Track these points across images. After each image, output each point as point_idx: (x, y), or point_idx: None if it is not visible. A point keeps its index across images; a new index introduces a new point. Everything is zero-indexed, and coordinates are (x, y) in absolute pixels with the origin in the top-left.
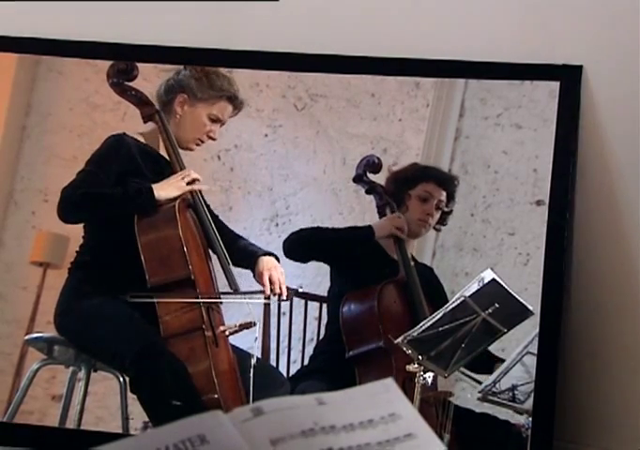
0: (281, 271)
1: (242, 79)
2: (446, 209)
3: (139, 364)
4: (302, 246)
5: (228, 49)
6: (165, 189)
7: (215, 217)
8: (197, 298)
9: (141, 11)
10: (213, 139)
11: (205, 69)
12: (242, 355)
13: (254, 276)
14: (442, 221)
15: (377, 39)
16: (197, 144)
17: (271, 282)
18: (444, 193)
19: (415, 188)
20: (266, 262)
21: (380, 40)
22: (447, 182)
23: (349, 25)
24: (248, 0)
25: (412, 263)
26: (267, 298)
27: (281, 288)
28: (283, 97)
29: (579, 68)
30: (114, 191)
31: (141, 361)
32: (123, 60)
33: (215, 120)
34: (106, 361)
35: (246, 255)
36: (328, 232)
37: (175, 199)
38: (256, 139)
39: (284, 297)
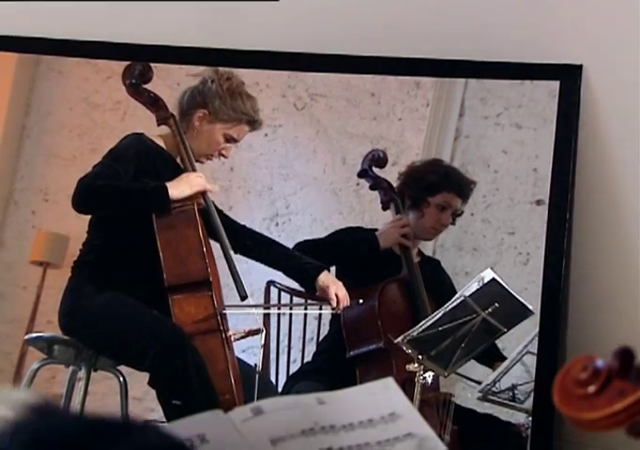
0: (341, 284)
1: (242, 78)
2: (459, 212)
3: (164, 358)
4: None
5: (228, 49)
6: (178, 188)
7: (241, 225)
8: (212, 299)
9: (141, 11)
10: (225, 156)
11: (231, 89)
12: (238, 362)
13: (311, 288)
14: (452, 221)
15: (377, 39)
16: (208, 159)
17: (339, 298)
18: (460, 201)
19: (435, 197)
20: (326, 277)
21: (380, 40)
22: (465, 190)
23: (349, 25)
24: (248, 0)
25: (416, 261)
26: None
27: (346, 304)
28: (283, 96)
29: (579, 68)
30: (132, 186)
31: (166, 356)
32: (123, 60)
33: (230, 139)
34: (121, 357)
35: (302, 270)
36: (332, 246)
37: (189, 198)
38: (256, 138)
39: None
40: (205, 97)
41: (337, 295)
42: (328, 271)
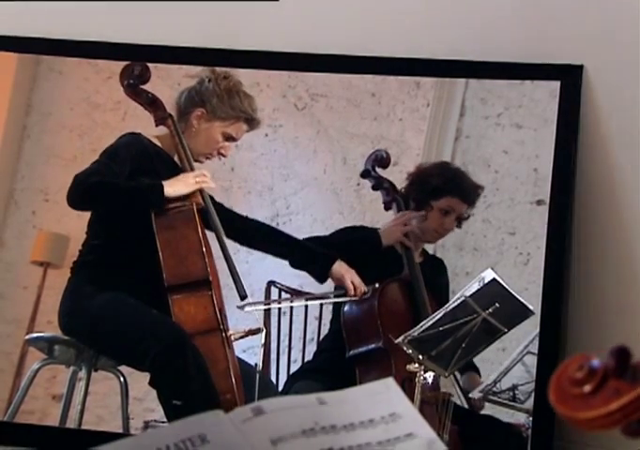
0: (354, 273)
1: (242, 78)
2: (464, 216)
3: (165, 358)
4: None
5: (228, 49)
6: (174, 186)
7: (259, 222)
8: (212, 299)
9: (141, 11)
10: (224, 155)
11: (228, 87)
12: (238, 362)
13: (324, 278)
14: (458, 224)
15: (377, 39)
16: (207, 158)
17: (355, 286)
18: (466, 206)
19: (439, 201)
20: (340, 266)
21: (380, 40)
22: (471, 195)
23: (349, 25)
24: (248, 0)
25: (419, 261)
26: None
27: (362, 290)
28: (284, 96)
29: (579, 68)
30: (127, 184)
31: (167, 355)
32: (123, 60)
33: (228, 138)
34: (122, 357)
35: (314, 258)
36: (334, 242)
37: (186, 197)
38: (257, 138)
39: (365, 293)
40: (202, 96)
41: (353, 283)
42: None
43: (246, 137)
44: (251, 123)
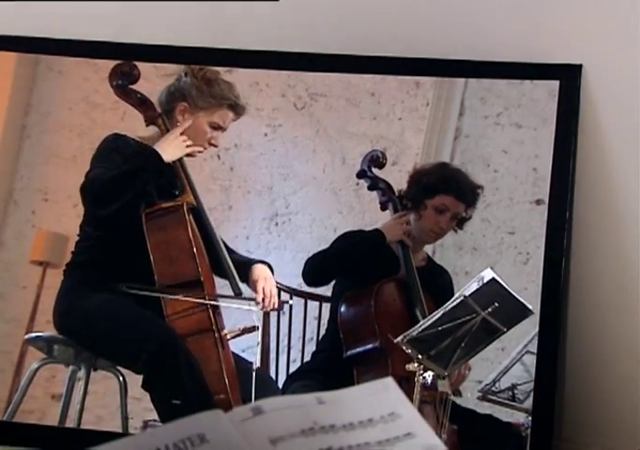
0: (274, 283)
1: (242, 78)
2: (464, 215)
3: (157, 360)
4: (322, 274)
5: (228, 48)
6: (168, 152)
7: None
8: (204, 299)
9: (141, 11)
10: (215, 145)
11: (206, 77)
12: (238, 360)
13: (248, 284)
14: (459, 225)
15: (377, 39)
16: (199, 151)
17: (264, 295)
18: (462, 206)
19: (432, 199)
20: (260, 270)
21: (380, 40)
22: (467, 195)
23: (349, 25)
24: (248, 0)
25: (420, 265)
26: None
27: (272, 302)
28: (283, 96)
29: (579, 68)
30: (126, 168)
31: (159, 357)
32: (123, 60)
33: (216, 127)
34: (116, 358)
35: (240, 264)
36: (339, 250)
37: (180, 198)
38: (256, 138)
39: (275, 309)
40: (182, 90)
41: (264, 291)
42: (271, 269)
43: (245, 136)
44: (236, 108)
